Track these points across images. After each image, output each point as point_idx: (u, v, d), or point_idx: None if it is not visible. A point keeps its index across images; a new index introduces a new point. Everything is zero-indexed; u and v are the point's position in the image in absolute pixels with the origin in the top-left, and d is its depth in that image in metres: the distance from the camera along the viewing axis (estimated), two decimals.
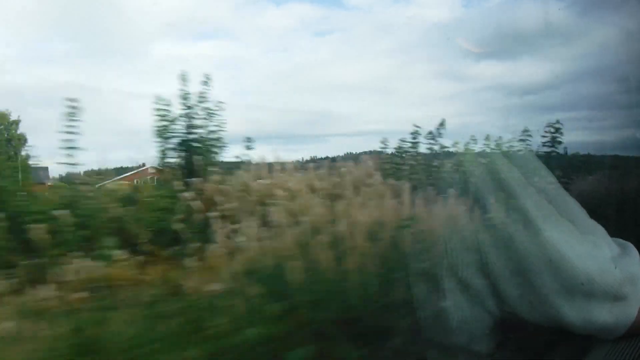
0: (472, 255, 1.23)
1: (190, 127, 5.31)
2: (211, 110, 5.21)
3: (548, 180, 1.21)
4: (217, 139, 5.37)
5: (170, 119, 5.12)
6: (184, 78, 5.11)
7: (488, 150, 1.24)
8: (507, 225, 1.16)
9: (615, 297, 1.02)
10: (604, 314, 1.02)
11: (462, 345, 1.20)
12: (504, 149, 1.23)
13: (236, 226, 4.03)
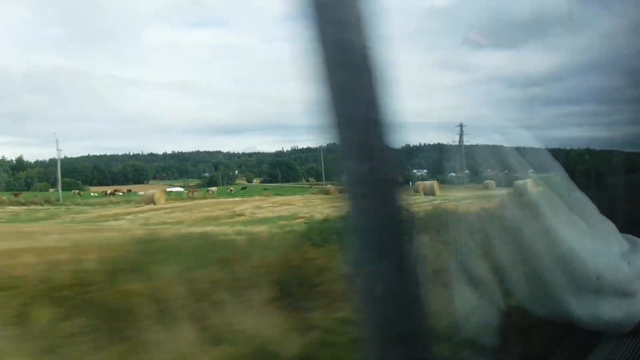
0: (481, 249, 1.24)
1: None
2: None
3: (560, 175, 1.21)
4: None
5: None
6: None
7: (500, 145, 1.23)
8: (517, 219, 1.16)
9: (624, 293, 1.02)
10: (611, 310, 1.03)
11: (468, 339, 1.21)
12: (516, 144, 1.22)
13: None
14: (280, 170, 72.65)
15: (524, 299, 1.13)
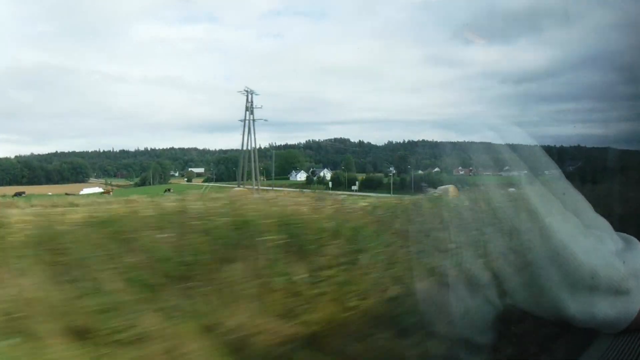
0: (476, 247, 1.23)
1: None
2: None
3: (554, 173, 1.20)
4: None
5: None
6: None
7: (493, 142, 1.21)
8: (513, 217, 1.15)
9: (619, 291, 1.02)
10: (606, 308, 1.02)
11: (464, 337, 1.20)
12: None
13: None
14: (226, 167, 69.14)
15: (518, 298, 1.13)
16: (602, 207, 1.25)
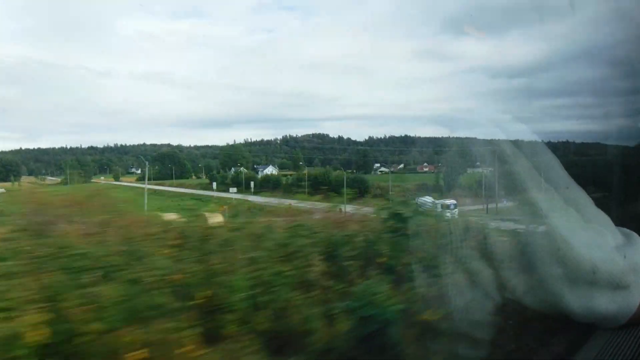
0: (476, 241, 1.23)
1: None
2: None
3: (555, 168, 1.20)
4: None
5: None
6: None
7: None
8: (513, 212, 1.16)
9: (618, 285, 1.02)
10: (606, 303, 1.03)
11: (463, 331, 1.21)
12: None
13: None
14: (162, 164, 64.81)
15: (516, 290, 1.13)
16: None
